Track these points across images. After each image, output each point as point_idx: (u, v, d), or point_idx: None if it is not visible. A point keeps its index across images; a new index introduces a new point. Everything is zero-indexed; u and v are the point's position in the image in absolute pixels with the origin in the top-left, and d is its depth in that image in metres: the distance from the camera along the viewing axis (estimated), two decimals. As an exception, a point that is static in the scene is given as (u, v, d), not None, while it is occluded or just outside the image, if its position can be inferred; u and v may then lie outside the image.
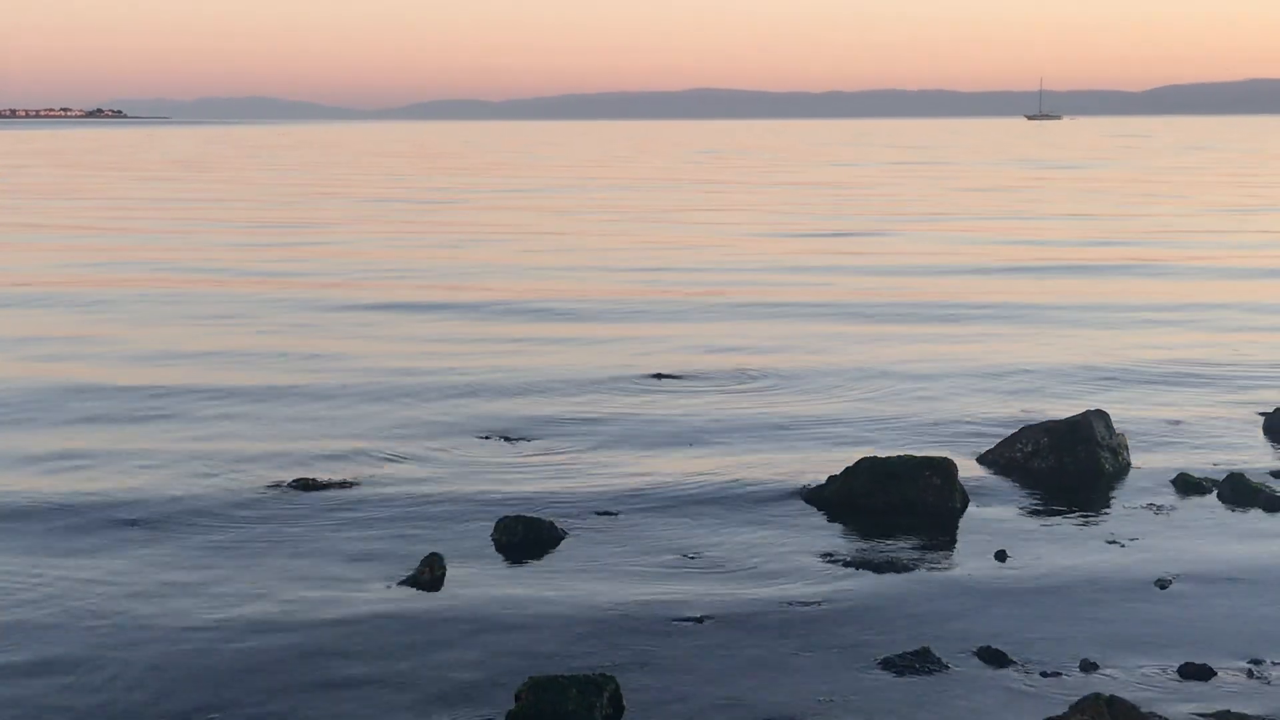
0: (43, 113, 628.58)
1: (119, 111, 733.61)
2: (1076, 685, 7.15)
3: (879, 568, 9.07)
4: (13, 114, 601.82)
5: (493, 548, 9.47)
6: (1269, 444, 12.43)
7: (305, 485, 10.88)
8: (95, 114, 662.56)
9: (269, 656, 7.56)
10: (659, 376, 15.38)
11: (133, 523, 9.98)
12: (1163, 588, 8.69)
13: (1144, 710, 6.44)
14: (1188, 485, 11.01)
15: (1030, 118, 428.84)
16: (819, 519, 10.18)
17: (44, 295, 22.94)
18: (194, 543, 9.51)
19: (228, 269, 26.93)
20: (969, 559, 9.28)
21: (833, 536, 9.77)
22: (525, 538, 9.56)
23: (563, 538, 9.65)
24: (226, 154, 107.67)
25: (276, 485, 10.91)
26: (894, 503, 10.31)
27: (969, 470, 11.24)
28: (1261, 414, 13.29)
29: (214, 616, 8.16)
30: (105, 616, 8.17)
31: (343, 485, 10.96)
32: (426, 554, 8.98)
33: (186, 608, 8.30)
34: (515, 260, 28.32)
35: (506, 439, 12.52)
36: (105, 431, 12.90)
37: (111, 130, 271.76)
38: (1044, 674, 7.35)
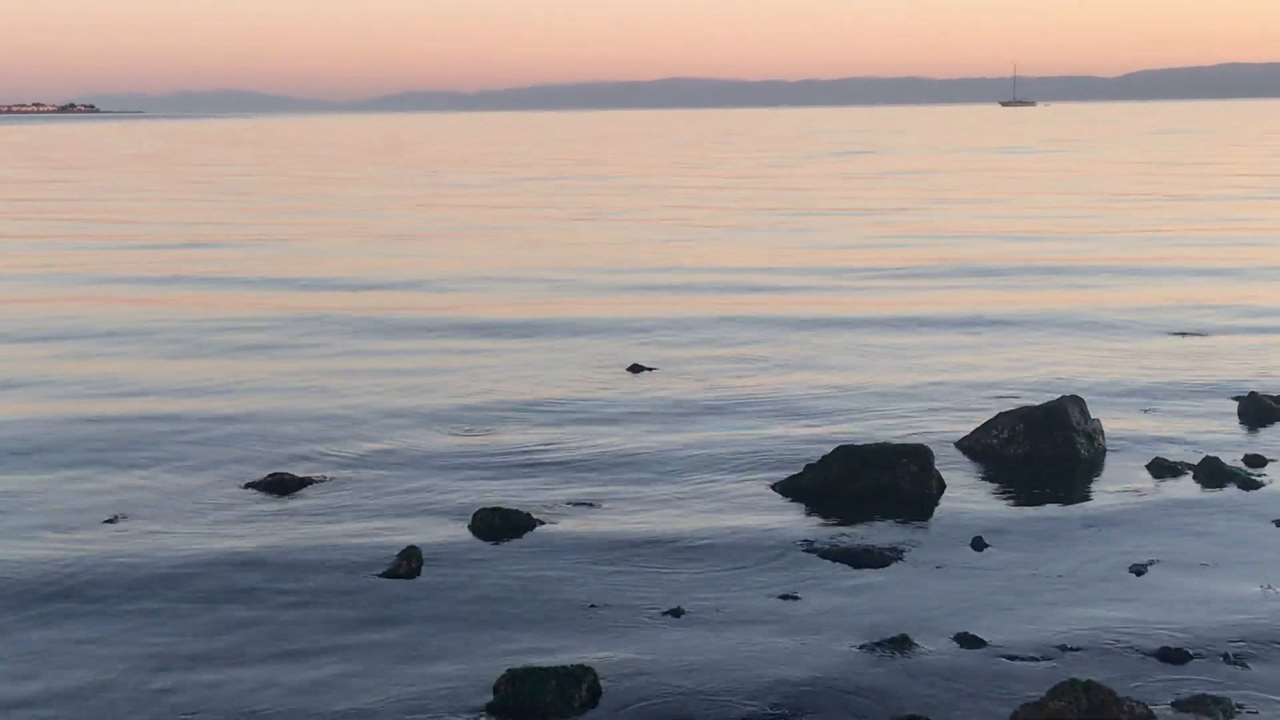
0: (15, 108, 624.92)
1: (91, 106, 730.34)
2: (1054, 670, 7.17)
3: (856, 555, 9.08)
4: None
5: (470, 540, 9.45)
6: (1243, 429, 12.49)
7: (280, 481, 10.84)
8: (68, 109, 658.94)
9: (246, 653, 7.53)
10: (635, 369, 15.36)
11: (108, 524, 9.93)
12: (1139, 573, 8.72)
13: (1121, 695, 6.47)
14: (1163, 470, 11.05)
15: (1005, 104, 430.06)
16: (796, 508, 10.18)
17: None
18: (172, 541, 9.46)
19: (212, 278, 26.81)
20: (946, 545, 9.30)
21: (810, 525, 9.77)
22: (502, 529, 9.56)
23: (539, 529, 9.64)
24: (171, 149, 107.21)
25: (251, 484, 10.86)
26: (871, 490, 10.32)
27: (945, 457, 11.27)
28: (1235, 399, 13.35)
29: (195, 608, 8.13)
30: (80, 622, 8.14)
31: (318, 481, 10.93)
32: (404, 547, 8.97)
33: (167, 605, 8.26)
34: (490, 265, 28.26)
35: (482, 432, 12.50)
36: (83, 445, 12.84)
37: (76, 125, 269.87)
38: (1021, 659, 7.37)
